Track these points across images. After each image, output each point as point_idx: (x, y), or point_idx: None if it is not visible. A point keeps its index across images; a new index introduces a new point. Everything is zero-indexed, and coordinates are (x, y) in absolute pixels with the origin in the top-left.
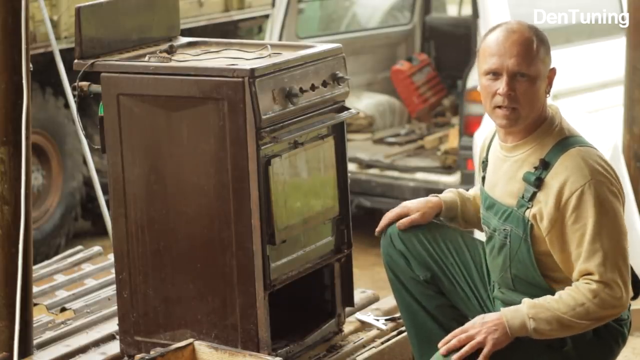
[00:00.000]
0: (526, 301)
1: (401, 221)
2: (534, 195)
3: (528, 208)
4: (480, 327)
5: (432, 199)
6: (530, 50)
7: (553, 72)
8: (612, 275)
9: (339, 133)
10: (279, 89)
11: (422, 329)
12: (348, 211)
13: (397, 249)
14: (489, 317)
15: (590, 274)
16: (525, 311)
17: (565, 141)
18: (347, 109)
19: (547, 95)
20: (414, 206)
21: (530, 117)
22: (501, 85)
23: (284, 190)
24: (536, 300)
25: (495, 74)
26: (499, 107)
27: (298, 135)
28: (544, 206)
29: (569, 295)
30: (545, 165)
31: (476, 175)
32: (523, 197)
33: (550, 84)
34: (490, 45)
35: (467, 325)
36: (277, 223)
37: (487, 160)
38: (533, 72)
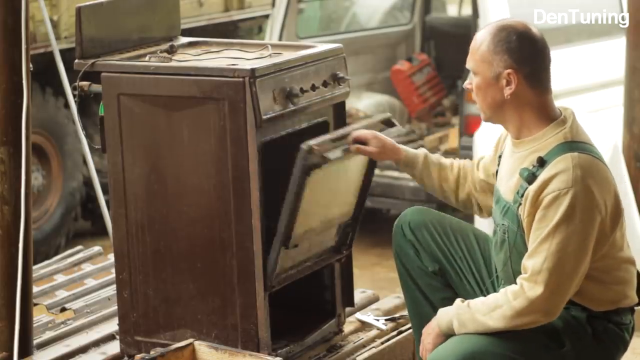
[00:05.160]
0: (457, 301)
1: (356, 146)
2: (525, 191)
3: (520, 204)
4: (425, 332)
5: (397, 146)
6: (476, 48)
7: (510, 74)
8: (543, 278)
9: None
10: (279, 89)
11: (426, 321)
12: (359, 216)
13: (408, 238)
14: (432, 321)
15: (525, 271)
16: (452, 311)
17: (567, 144)
18: (395, 124)
19: (507, 97)
20: (376, 140)
21: (489, 113)
22: None
23: (313, 199)
24: (467, 301)
25: None
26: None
27: (345, 150)
28: (526, 200)
29: (494, 296)
30: (542, 163)
31: (484, 160)
32: (518, 193)
33: (508, 86)
34: None
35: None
36: (297, 229)
37: (502, 154)
38: (475, 69)
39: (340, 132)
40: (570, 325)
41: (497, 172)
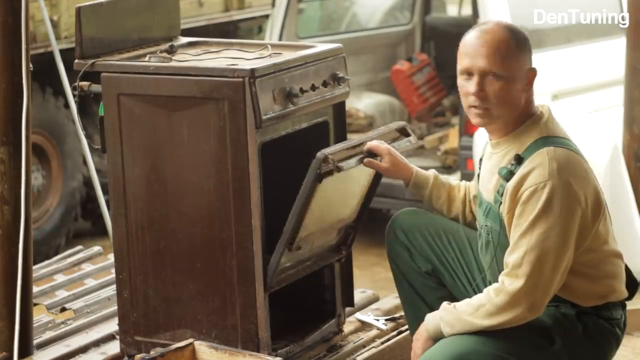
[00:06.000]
0: (444, 304)
1: (369, 160)
2: (504, 189)
3: (501, 203)
4: (415, 337)
5: (409, 165)
6: (501, 50)
7: (533, 72)
8: (524, 271)
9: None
10: (279, 89)
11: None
12: (362, 218)
13: (400, 240)
14: (420, 326)
15: (507, 267)
16: (439, 314)
17: (543, 140)
18: (408, 135)
19: (525, 95)
20: (390, 157)
21: (505, 116)
22: (472, 84)
23: (320, 204)
24: (453, 303)
25: (469, 73)
26: (472, 106)
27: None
28: (505, 198)
29: (478, 296)
30: (519, 160)
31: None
32: (498, 192)
33: (530, 84)
34: (465, 45)
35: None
36: (301, 232)
37: (482, 157)
38: (503, 72)
39: (355, 141)
40: (559, 322)
41: (478, 175)
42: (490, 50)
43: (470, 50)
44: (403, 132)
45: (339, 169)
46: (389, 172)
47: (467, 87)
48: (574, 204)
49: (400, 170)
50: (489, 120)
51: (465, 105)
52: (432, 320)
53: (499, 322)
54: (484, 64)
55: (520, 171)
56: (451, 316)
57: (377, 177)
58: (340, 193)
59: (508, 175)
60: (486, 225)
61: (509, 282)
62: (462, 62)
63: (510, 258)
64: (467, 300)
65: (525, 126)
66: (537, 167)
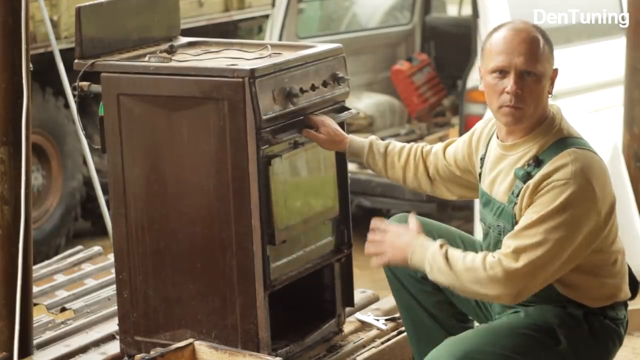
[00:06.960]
0: (437, 246)
1: (306, 130)
2: (521, 190)
3: (516, 204)
4: (391, 242)
5: (342, 135)
6: (538, 49)
7: (555, 72)
8: (526, 257)
9: None
10: (279, 89)
11: (421, 327)
12: (348, 211)
13: None
14: (403, 238)
15: (508, 247)
16: (429, 255)
17: (562, 142)
18: (348, 109)
19: (550, 95)
20: (324, 128)
21: (534, 116)
22: (509, 83)
23: (284, 190)
24: (446, 249)
25: (503, 72)
26: (506, 106)
27: (298, 136)
28: (523, 197)
29: (473, 257)
30: (538, 162)
31: (453, 149)
32: (513, 193)
33: (552, 84)
34: (498, 43)
35: (386, 234)
36: (277, 223)
37: (485, 157)
38: (540, 71)
39: (295, 120)
40: (566, 322)
41: (480, 174)
42: (529, 49)
43: (506, 48)
44: (341, 111)
45: (276, 139)
46: (325, 143)
47: (500, 85)
48: (590, 206)
49: (335, 142)
50: (520, 120)
51: (496, 104)
52: (419, 254)
53: (483, 293)
54: (523, 62)
55: (542, 172)
56: (440, 264)
57: (340, 161)
58: (304, 180)
59: (525, 176)
60: (498, 226)
61: (506, 262)
62: (495, 60)
63: (514, 241)
64: (461, 254)
65: (542, 127)
66: (561, 167)
